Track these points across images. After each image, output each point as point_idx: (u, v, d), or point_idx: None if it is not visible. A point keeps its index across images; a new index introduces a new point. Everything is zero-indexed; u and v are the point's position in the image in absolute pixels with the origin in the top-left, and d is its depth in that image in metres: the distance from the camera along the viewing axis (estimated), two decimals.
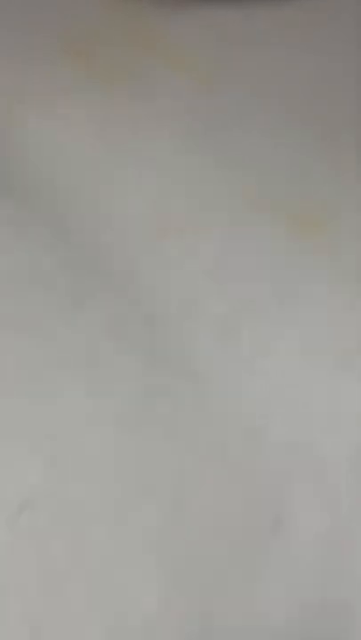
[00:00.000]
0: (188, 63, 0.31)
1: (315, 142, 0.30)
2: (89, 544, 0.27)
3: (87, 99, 0.30)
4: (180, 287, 0.29)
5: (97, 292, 0.29)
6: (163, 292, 0.29)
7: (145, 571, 0.26)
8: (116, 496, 0.27)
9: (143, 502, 0.27)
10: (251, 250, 0.29)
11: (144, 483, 0.27)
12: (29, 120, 0.30)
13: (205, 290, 0.29)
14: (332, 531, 0.27)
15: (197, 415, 0.28)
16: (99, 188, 0.30)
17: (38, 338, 0.28)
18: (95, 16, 0.31)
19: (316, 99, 0.31)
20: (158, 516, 0.27)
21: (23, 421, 0.28)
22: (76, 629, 0.26)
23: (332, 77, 0.31)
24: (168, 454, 0.27)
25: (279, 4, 0.31)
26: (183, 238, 0.29)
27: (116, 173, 0.30)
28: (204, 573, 0.26)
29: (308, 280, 0.29)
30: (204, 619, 0.26)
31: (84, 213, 0.30)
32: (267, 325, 0.29)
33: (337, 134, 0.30)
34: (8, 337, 0.28)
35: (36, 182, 0.30)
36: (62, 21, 0.31)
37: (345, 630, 0.26)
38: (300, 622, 0.26)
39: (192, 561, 0.27)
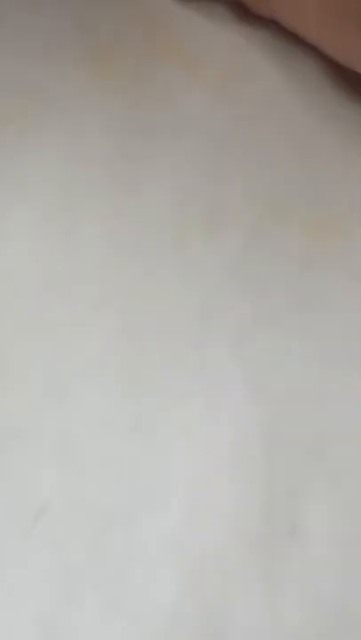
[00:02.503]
0: (207, 70, 0.31)
1: (329, 147, 0.30)
2: (104, 546, 0.27)
3: (103, 103, 0.30)
4: (195, 292, 0.29)
5: (111, 293, 0.29)
6: (178, 297, 0.29)
7: (160, 573, 0.27)
8: (132, 499, 0.27)
9: (158, 505, 0.27)
10: (266, 256, 0.29)
11: (159, 486, 0.27)
12: (45, 121, 0.30)
13: (220, 295, 0.29)
14: (349, 534, 0.27)
15: (213, 415, 0.28)
16: (114, 191, 0.30)
17: (52, 341, 0.28)
18: (115, 23, 0.31)
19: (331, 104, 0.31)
20: (174, 518, 0.27)
21: (37, 425, 0.28)
22: (91, 632, 0.26)
23: None
24: (182, 456, 0.27)
25: None
26: (199, 242, 0.29)
27: (132, 180, 0.30)
28: (220, 575, 0.26)
29: (323, 285, 0.29)
30: (219, 620, 0.26)
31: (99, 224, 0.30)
32: (282, 330, 0.29)
33: (352, 138, 0.30)
34: (23, 340, 0.28)
35: (51, 187, 0.30)
36: (83, 26, 0.31)
37: (360, 632, 0.26)
38: (316, 625, 0.26)
39: (207, 562, 0.27)
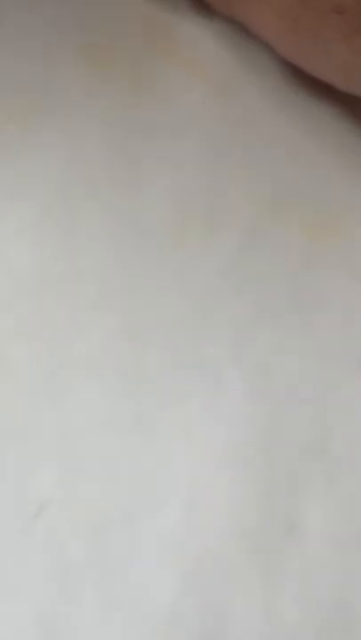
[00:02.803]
0: (206, 70, 0.31)
1: (329, 147, 0.30)
2: (104, 546, 0.27)
3: (102, 103, 0.30)
4: (195, 292, 0.29)
5: (111, 293, 0.29)
6: (178, 297, 0.29)
7: (160, 573, 0.27)
8: (132, 499, 0.27)
9: (158, 505, 0.27)
10: (265, 255, 0.29)
11: (159, 486, 0.27)
12: (45, 121, 0.30)
13: (220, 295, 0.29)
14: (348, 533, 0.27)
15: (212, 415, 0.28)
16: (114, 191, 0.30)
17: (52, 340, 0.28)
18: (115, 23, 0.31)
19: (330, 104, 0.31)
20: (174, 518, 0.27)
21: (37, 424, 0.28)
22: (91, 632, 0.26)
23: None
24: (182, 456, 0.28)
25: None
26: (199, 241, 0.29)
27: (132, 180, 0.30)
28: (219, 574, 0.26)
29: (323, 285, 0.29)
30: (218, 619, 0.26)
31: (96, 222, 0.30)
32: (282, 330, 0.29)
33: (351, 137, 0.30)
34: (23, 340, 0.28)
35: (51, 187, 0.30)
36: (83, 26, 0.31)
37: (359, 631, 0.26)
38: (315, 624, 0.26)
39: (207, 562, 0.27)
